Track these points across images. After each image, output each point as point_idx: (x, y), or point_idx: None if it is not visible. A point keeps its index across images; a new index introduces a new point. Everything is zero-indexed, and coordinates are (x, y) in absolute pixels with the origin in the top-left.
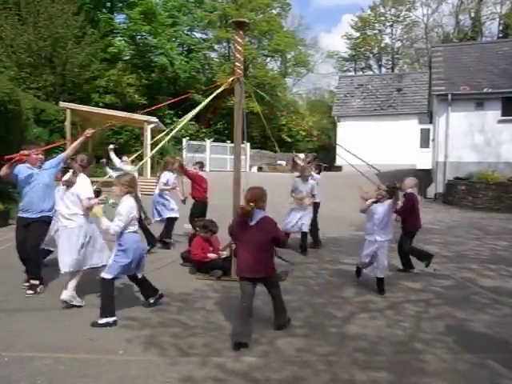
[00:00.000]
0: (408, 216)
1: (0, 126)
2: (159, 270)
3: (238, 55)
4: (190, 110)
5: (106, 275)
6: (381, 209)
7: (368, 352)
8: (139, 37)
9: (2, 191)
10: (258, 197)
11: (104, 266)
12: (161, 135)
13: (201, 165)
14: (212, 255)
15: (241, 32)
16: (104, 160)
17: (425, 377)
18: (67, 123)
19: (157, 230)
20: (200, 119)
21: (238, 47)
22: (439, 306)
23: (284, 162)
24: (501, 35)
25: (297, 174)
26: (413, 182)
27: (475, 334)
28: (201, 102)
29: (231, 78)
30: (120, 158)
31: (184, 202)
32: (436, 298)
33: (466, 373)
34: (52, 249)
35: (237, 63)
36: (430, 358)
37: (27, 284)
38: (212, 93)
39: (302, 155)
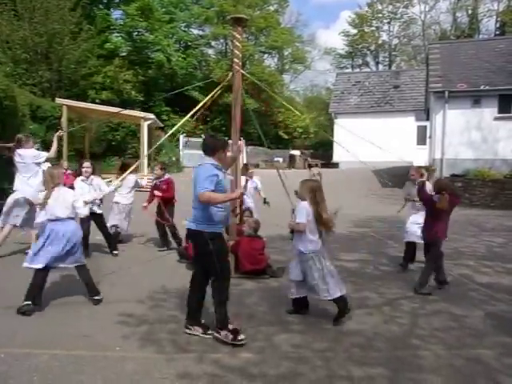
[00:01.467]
0: None
1: None
2: (156, 266)
3: (236, 51)
4: (188, 107)
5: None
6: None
7: (364, 348)
8: (136, 33)
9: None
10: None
11: None
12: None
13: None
14: None
15: (239, 28)
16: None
17: (421, 372)
18: (63, 120)
19: None
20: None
21: (236, 43)
22: (436, 303)
23: (281, 159)
24: (498, 32)
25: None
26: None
27: (471, 330)
28: (198, 99)
29: (236, 76)
30: None
31: None
32: (432, 295)
33: (462, 368)
34: None
35: (235, 59)
36: (426, 354)
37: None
38: (211, 90)
39: (297, 152)
